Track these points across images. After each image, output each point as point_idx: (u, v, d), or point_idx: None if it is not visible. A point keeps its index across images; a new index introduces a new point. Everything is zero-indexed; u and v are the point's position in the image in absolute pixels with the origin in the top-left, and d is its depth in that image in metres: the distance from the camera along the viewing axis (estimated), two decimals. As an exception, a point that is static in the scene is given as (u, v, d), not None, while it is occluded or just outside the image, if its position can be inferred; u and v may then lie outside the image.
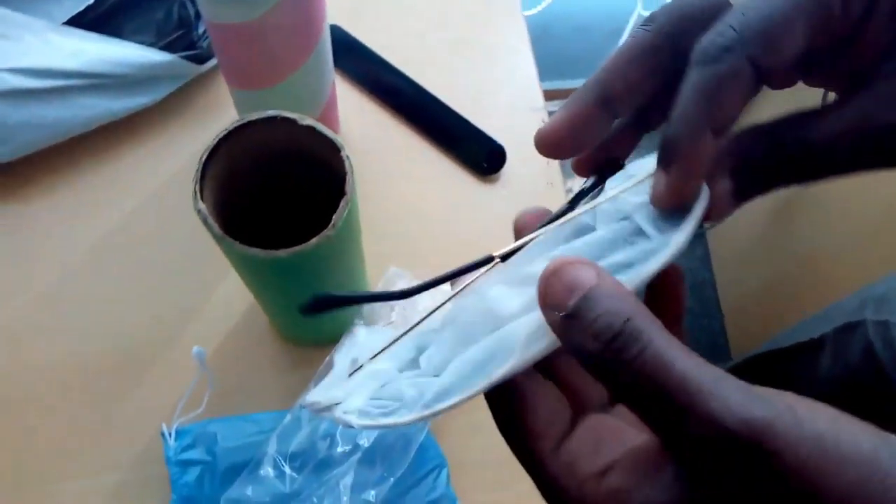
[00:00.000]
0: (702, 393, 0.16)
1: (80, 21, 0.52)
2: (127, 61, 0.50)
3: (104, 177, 0.53)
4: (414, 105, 0.56)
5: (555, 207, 0.26)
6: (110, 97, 0.51)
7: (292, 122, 0.33)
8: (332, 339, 0.46)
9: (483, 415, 0.48)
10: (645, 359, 0.17)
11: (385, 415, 0.22)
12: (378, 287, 0.49)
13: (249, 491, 0.40)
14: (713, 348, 1.34)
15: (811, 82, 0.24)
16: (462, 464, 0.46)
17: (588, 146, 0.25)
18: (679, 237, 0.20)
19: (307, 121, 0.33)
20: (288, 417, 0.43)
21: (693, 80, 0.20)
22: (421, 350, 0.25)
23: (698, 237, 1.43)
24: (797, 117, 0.21)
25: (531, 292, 0.20)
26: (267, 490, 0.40)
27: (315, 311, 0.22)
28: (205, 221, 0.31)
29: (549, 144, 0.24)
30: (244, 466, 0.42)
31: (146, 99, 0.52)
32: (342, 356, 0.26)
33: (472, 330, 0.23)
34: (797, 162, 0.21)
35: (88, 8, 0.53)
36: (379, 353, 0.25)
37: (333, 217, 0.31)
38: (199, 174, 0.31)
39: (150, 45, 0.52)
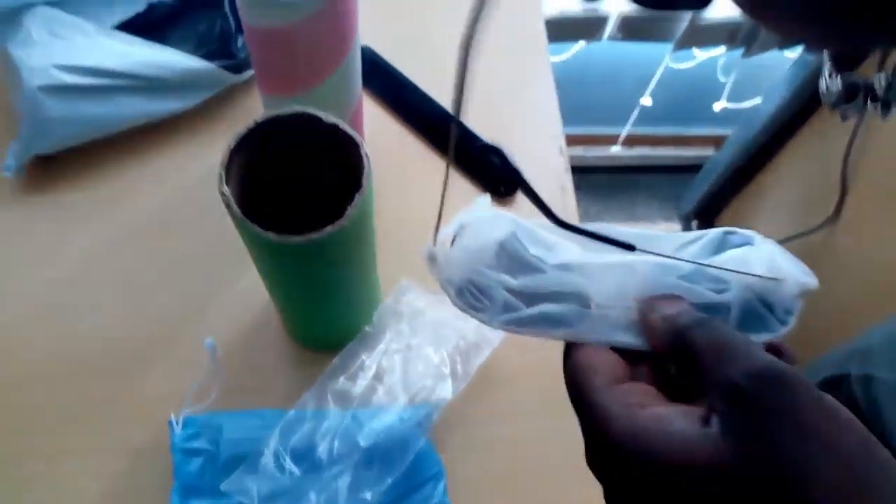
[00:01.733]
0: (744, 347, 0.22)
1: (130, 27, 0.56)
2: (168, 66, 0.53)
3: (137, 173, 0.55)
4: (436, 126, 0.58)
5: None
6: (150, 99, 0.54)
7: (317, 119, 0.35)
8: (339, 343, 0.47)
9: (482, 430, 0.48)
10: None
11: (475, 309, 0.26)
12: (389, 297, 0.50)
13: (249, 481, 0.41)
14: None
15: None
16: (459, 478, 0.46)
17: None
18: None
19: (331, 119, 0.35)
20: (292, 413, 0.44)
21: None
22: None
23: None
24: (671, 415, 0.23)
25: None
26: (266, 481, 0.41)
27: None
28: (227, 204, 0.32)
29: None
30: (246, 458, 0.43)
31: (183, 104, 0.55)
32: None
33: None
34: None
35: (138, 15, 0.56)
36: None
37: (348, 208, 0.33)
38: (226, 159, 0.33)
39: (193, 53, 0.55)
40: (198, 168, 0.55)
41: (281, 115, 0.35)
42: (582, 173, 1.50)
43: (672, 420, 0.21)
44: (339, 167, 0.36)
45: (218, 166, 0.33)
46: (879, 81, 0.25)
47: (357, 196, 0.33)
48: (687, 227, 1.51)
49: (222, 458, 0.44)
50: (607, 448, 0.22)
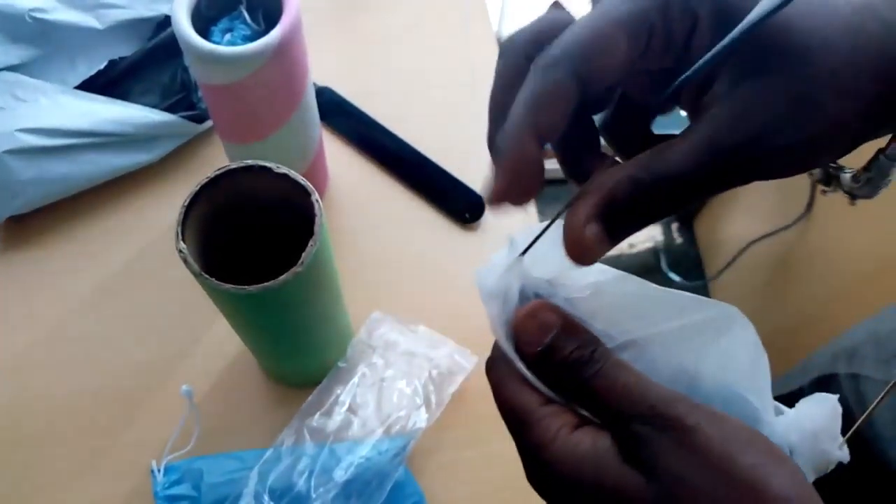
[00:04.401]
0: (639, 390, 0.22)
1: (93, 84, 0.57)
2: (132, 121, 0.54)
3: (107, 227, 0.56)
4: (399, 159, 0.59)
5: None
6: (116, 154, 0.55)
7: (268, 169, 0.36)
8: (316, 378, 0.49)
9: (460, 455, 0.50)
10: (601, 373, 0.23)
11: None
12: (360, 330, 0.52)
13: (229, 523, 0.42)
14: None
15: (685, 107, 0.25)
16: (439, 503, 0.47)
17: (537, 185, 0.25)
18: None
19: (282, 169, 0.36)
20: (269, 453, 0.45)
21: (522, 91, 0.23)
22: None
23: (702, 290, 1.45)
24: (654, 153, 0.22)
25: None
26: (246, 522, 0.42)
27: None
28: (185, 260, 0.34)
29: (504, 200, 0.25)
30: (227, 501, 0.44)
31: (149, 156, 0.56)
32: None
33: None
34: (660, 197, 0.22)
35: (99, 73, 0.57)
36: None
37: (302, 255, 0.34)
38: (181, 217, 0.34)
39: (156, 105, 0.56)
40: (166, 218, 0.56)
41: (232, 169, 0.36)
42: (560, 185, 1.51)
43: (598, 453, 0.22)
44: (294, 211, 0.37)
45: (174, 223, 0.34)
46: (845, 179, 0.27)
47: (310, 243, 0.34)
48: (668, 231, 1.53)
49: (206, 503, 0.44)
50: (545, 472, 0.23)
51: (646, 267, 1.48)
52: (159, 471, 0.46)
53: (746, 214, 1.29)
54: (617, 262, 1.49)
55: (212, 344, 0.52)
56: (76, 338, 0.52)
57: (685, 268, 1.47)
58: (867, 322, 0.64)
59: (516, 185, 0.24)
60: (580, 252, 0.23)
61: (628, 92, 0.27)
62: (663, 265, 1.47)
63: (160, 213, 0.57)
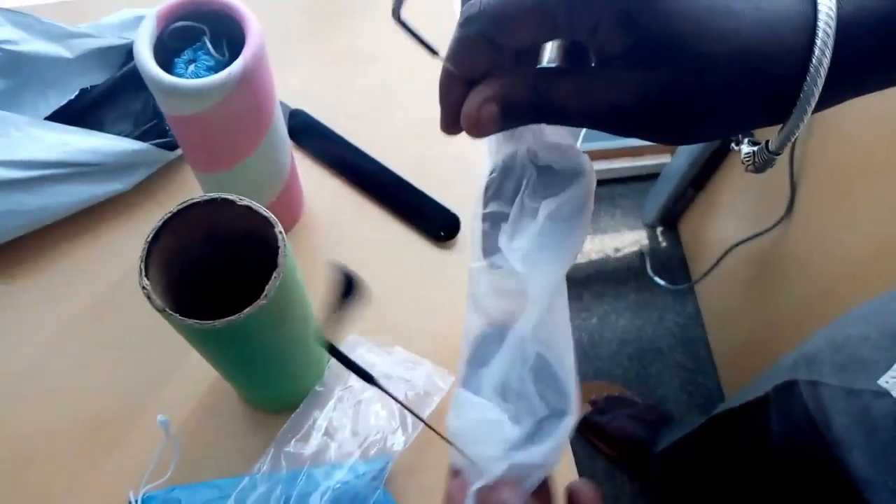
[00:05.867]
0: None
1: (64, 113, 0.57)
2: (104, 150, 0.55)
3: (82, 257, 0.56)
4: (374, 180, 0.60)
5: None
6: (89, 184, 0.55)
7: (231, 202, 0.36)
8: (294, 402, 0.49)
9: (439, 475, 0.50)
10: None
11: None
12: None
13: (206, 553, 0.42)
14: (709, 406, 1.34)
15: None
16: (419, 523, 0.47)
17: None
18: None
19: (244, 201, 0.36)
20: (245, 480, 0.45)
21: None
22: None
23: (688, 293, 1.45)
24: (555, 73, 0.27)
25: None
26: (223, 552, 0.42)
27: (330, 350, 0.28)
28: (148, 297, 0.34)
29: (447, 130, 0.29)
30: (204, 530, 0.44)
31: (122, 185, 0.56)
32: None
33: None
34: (548, 113, 0.26)
35: (70, 102, 0.57)
36: None
37: (266, 288, 0.34)
38: (144, 253, 0.35)
39: (129, 133, 0.57)
40: (139, 248, 0.56)
41: (194, 202, 0.36)
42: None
43: None
44: (260, 245, 0.37)
45: (137, 259, 0.35)
46: (742, 150, 0.29)
47: (274, 275, 0.34)
48: (653, 235, 1.53)
49: (183, 533, 0.45)
50: None
51: (631, 270, 1.49)
52: (137, 501, 0.46)
53: (729, 217, 1.29)
54: (604, 265, 1.49)
55: (188, 372, 0.52)
56: (50, 370, 0.52)
57: (670, 270, 1.48)
58: (825, 329, 0.64)
59: (450, 117, 0.28)
60: (473, 124, 0.27)
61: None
62: (648, 269, 1.47)
63: (133, 243, 0.56)
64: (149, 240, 0.35)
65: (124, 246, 0.57)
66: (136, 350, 0.53)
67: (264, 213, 0.36)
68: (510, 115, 0.27)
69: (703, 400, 1.36)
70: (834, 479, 0.52)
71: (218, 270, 0.41)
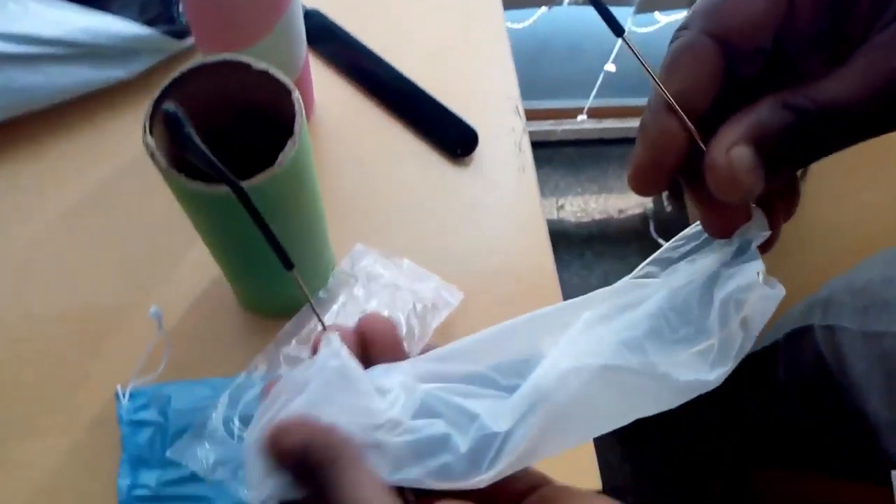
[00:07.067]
0: None
1: (67, -6, 0.54)
2: (107, 33, 0.51)
3: (77, 147, 0.53)
4: (389, 88, 0.57)
5: (525, 191, 0.24)
6: (89, 68, 0.52)
7: (246, 66, 0.33)
8: (292, 309, 0.46)
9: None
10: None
11: None
12: (342, 262, 0.49)
13: (197, 447, 0.40)
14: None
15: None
16: None
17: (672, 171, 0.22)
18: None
19: (261, 65, 0.33)
20: (241, 377, 0.43)
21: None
22: None
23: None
24: (808, 84, 0.19)
25: None
26: (215, 447, 0.40)
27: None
28: (152, 155, 0.31)
29: (642, 177, 0.22)
30: (195, 427, 0.42)
31: (124, 72, 0.53)
32: None
33: None
34: (818, 127, 0.19)
35: (74, -19, 0.54)
36: None
37: (280, 156, 0.31)
38: (150, 110, 0.32)
39: (134, 20, 0.53)
40: (139, 141, 0.53)
41: (209, 63, 0.33)
42: (552, 147, 1.49)
43: None
44: (272, 122, 0.35)
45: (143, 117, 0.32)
46: None
47: (289, 143, 0.32)
48: (658, 198, 1.51)
49: (172, 429, 0.42)
50: None
51: (634, 232, 1.47)
52: (125, 395, 0.44)
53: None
54: (607, 225, 1.47)
55: (186, 269, 0.50)
56: (41, 259, 0.50)
57: (674, 233, 1.45)
58: (839, 278, 0.62)
59: (654, 160, 0.21)
60: (726, 183, 0.19)
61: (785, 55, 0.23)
62: (652, 231, 1.45)
63: (133, 136, 0.54)
64: (156, 97, 0.32)
65: (123, 138, 0.54)
66: (132, 245, 0.51)
67: (281, 79, 0.33)
68: (776, 152, 0.19)
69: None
70: (849, 423, 0.50)
71: (224, 148, 0.38)
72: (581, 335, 0.23)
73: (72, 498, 0.43)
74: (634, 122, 1.50)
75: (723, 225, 0.22)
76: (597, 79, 1.32)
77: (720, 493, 1.09)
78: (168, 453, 0.39)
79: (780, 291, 0.22)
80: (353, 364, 0.22)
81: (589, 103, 1.40)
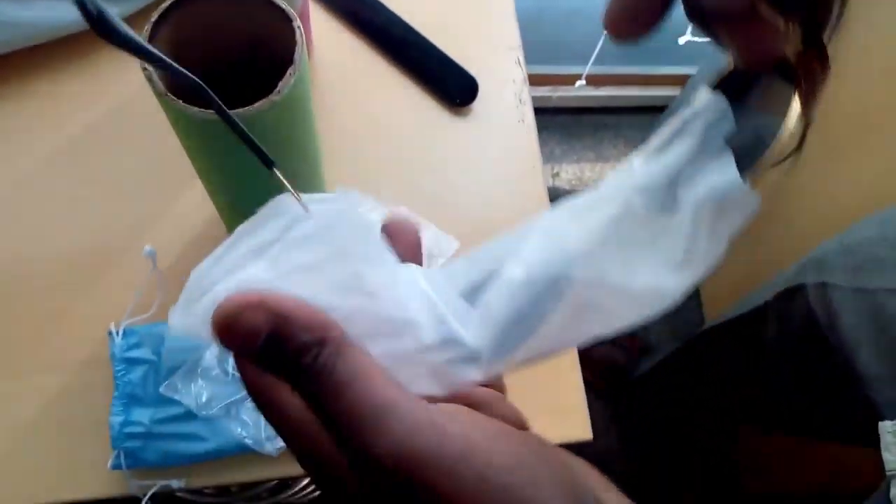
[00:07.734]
0: (364, 420, 0.17)
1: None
2: (101, -32, 0.50)
3: (70, 86, 0.52)
4: (389, 34, 0.56)
5: (525, 143, 0.23)
6: (82, 4, 0.51)
7: (245, -9, 0.33)
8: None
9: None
10: (324, 383, 0.17)
11: None
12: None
13: (190, 383, 0.40)
14: (691, 339, 1.34)
15: None
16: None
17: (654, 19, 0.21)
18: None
19: (261, -9, 0.33)
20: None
21: None
22: None
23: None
24: None
25: None
26: (208, 383, 0.40)
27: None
28: (149, 79, 0.30)
29: (617, 21, 0.21)
30: (188, 366, 0.42)
31: (120, 8, 0.52)
32: None
33: None
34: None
35: (66, -85, 0.52)
36: None
37: (279, 84, 0.31)
38: (147, 34, 0.31)
39: (128, -44, 0.52)
40: (137, 79, 0.53)
41: (206, -11, 0.32)
42: (549, 114, 1.48)
43: None
44: (271, 45, 0.34)
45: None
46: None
47: (289, 72, 0.31)
48: (654, 168, 1.50)
49: (165, 368, 0.42)
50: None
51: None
52: (118, 333, 0.43)
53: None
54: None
55: (181, 211, 0.49)
56: (32, 198, 0.49)
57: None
58: (837, 237, 0.63)
59: (630, 7, 0.20)
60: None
61: None
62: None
63: (127, 76, 0.53)
64: (153, 20, 0.31)
65: (117, 78, 0.53)
66: (127, 185, 0.50)
67: (282, 6, 0.32)
68: None
69: (685, 335, 1.36)
70: (840, 380, 0.51)
71: (220, 83, 0.38)
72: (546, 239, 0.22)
73: (64, 435, 0.43)
74: (633, 91, 1.49)
75: (762, 49, 0.21)
76: (596, 44, 1.31)
77: (708, 456, 1.10)
78: (161, 389, 0.39)
79: (756, 198, 0.21)
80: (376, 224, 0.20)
81: (587, 70, 1.39)
